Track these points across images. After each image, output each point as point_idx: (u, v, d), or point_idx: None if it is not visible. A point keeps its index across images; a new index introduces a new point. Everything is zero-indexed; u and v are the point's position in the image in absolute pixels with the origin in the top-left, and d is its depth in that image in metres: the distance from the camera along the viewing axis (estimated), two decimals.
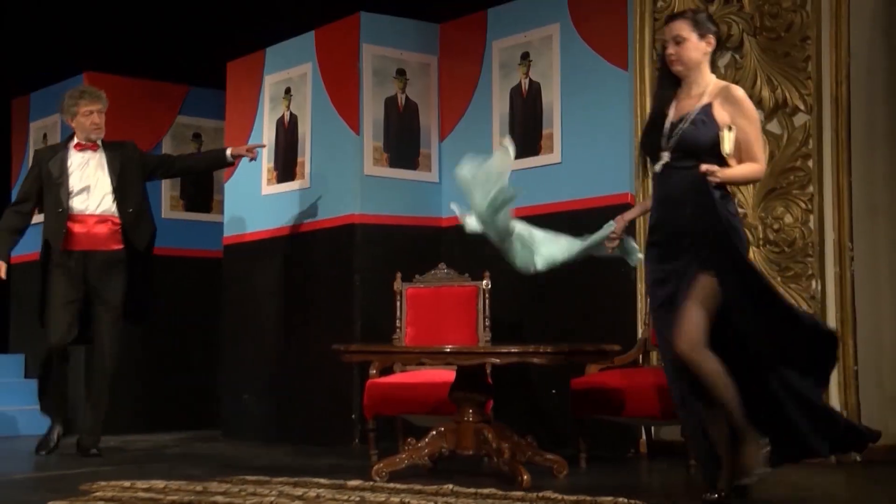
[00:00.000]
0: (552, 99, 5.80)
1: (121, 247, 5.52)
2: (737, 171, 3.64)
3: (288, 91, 6.63)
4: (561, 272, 5.61)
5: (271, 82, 6.76)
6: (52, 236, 5.49)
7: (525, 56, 5.97)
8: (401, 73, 6.28)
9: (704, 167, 3.56)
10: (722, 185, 3.63)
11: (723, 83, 3.75)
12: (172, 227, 7.28)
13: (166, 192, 7.41)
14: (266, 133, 6.69)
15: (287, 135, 6.59)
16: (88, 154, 5.58)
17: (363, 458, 5.07)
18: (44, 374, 5.64)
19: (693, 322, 3.57)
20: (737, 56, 5.25)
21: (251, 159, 6.02)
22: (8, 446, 6.20)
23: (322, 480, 4.12)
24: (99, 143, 5.62)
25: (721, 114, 3.66)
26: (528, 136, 5.85)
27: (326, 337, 5.81)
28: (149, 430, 6.82)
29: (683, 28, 3.72)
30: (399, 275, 5.56)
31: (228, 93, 7.06)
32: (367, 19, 6.21)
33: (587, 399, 4.79)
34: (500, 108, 6.04)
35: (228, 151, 5.95)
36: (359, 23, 6.20)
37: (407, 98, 6.29)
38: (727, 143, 3.60)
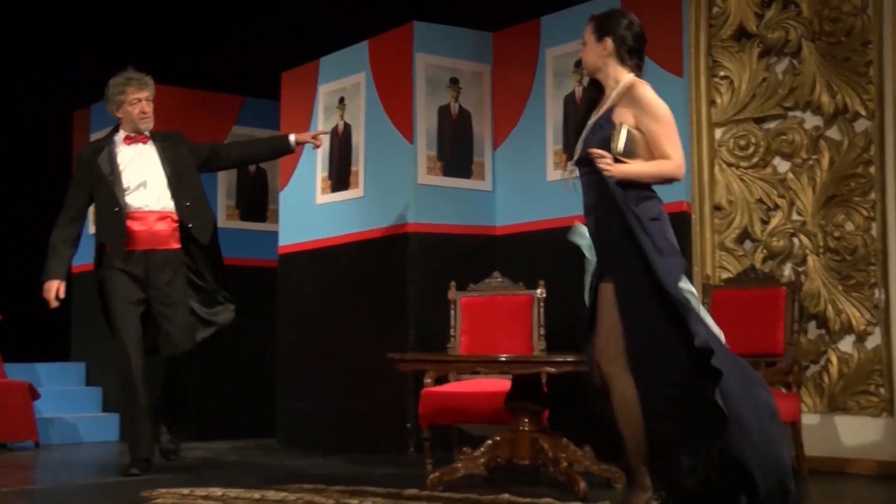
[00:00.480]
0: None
1: (179, 246, 5.13)
2: (638, 167, 3.45)
3: (342, 101, 6.67)
4: None
5: (325, 92, 6.81)
6: (111, 237, 5.07)
7: (579, 64, 5.94)
8: (454, 81, 6.29)
9: (596, 155, 3.43)
10: (645, 187, 3.49)
11: (629, 83, 3.56)
12: (228, 237, 7.32)
13: (222, 202, 7.49)
14: (314, 149, 6.72)
15: (341, 144, 6.63)
16: (139, 147, 5.16)
17: (418, 467, 5.07)
18: (127, 381, 5.07)
19: (602, 336, 3.46)
20: (795, 62, 5.18)
21: (316, 146, 5.63)
22: (69, 453, 6.31)
23: (378, 489, 4.13)
24: (148, 134, 5.21)
25: (622, 115, 3.51)
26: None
27: (381, 346, 5.82)
28: (206, 438, 6.89)
29: (585, 31, 3.65)
30: (453, 284, 5.56)
31: (283, 103, 7.12)
32: (420, 29, 6.23)
33: None
34: (553, 115, 6.02)
35: (292, 138, 5.50)
36: (412, 32, 6.22)
37: (460, 107, 6.30)
38: (619, 142, 3.45)
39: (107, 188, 5.05)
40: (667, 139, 3.49)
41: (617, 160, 3.46)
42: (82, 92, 7.91)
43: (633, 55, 3.60)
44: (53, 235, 5.15)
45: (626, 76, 3.58)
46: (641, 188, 3.49)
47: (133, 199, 5.08)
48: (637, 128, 3.49)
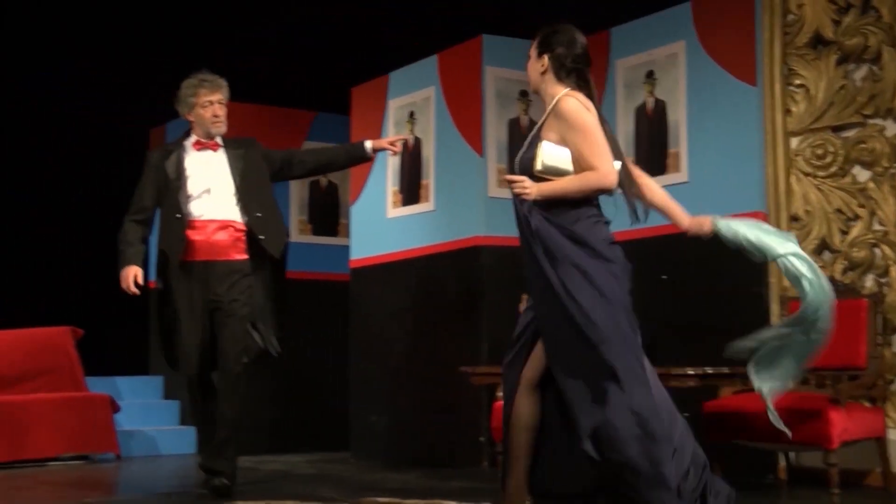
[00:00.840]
0: (678, 117, 5.68)
1: (245, 257, 4.86)
2: (560, 183, 3.35)
3: (412, 115, 6.70)
4: (690, 294, 5.52)
5: (395, 106, 6.85)
6: (170, 246, 4.85)
7: (650, 74, 5.89)
8: (523, 94, 6.28)
9: (509, 180, 3.38)
10: (581, 204, 3.38)
11: (557, 98, 3.47)
12: (300, 251, 7.44)
13: (294, 217, 7.58)
14: (390, 157, 6.77)
15: (411, 158, 6.66)
16: (209, 153, 4.93)
17: (493, 481, 5.05)
18: (192, 395, 4.92)
19: (527, 361, 3.44)
20: (875, 68, 5.07)
21: (393, 154, 5.30)
22: (149, 466, 6.42)
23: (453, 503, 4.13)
24: (220, 140, 4.98)
25: (549, 131, 3.44)
26: (653, 155, 5.76)
27: (453, 359, 5.83)
28: (281, 451, 6.96)
29: (531, 47, 3.57)
30: (525, 297, 5.54)
31: (353, 118, 7.18)
32: (489, 42, 6.24)
33: (722, 423, 4.67)
34: (624, 127, 5.97)
35: (368, 145, 5.20)
36: (481, 46, 6.23)
37: (530, 119, 6.28)
38: (538, 160, 3.36)
39: (171, 194, 4.85)
40: (590, 150, 3.38)
41: (541, 179, 3.38)
42: (158, 110, 8.06)
43: (571, 74, 3.52)
44: (121, 234, 4.92)
45: (560, 93, 3.50)
46: (576, 206, 3.39)
47: (195, 207, 4.85)
48: (564, 142, 3.40)
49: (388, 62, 7.00)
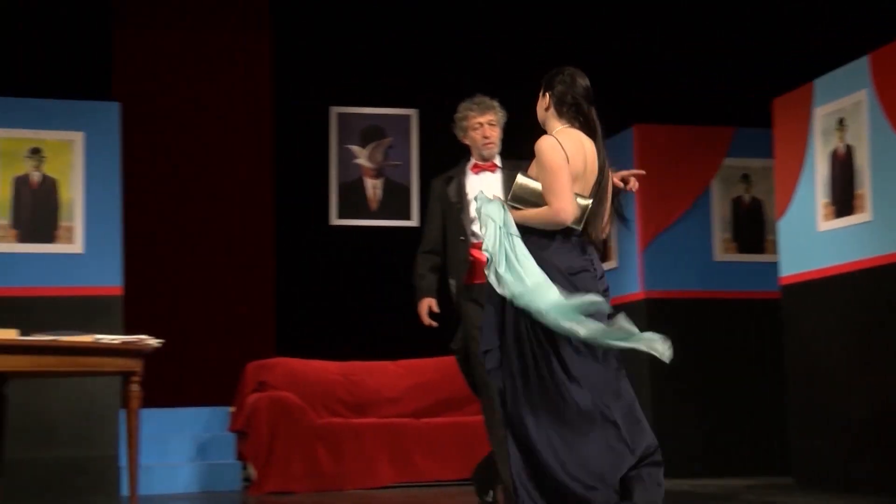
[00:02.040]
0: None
1: None
2: (521, 213, 3.69)
3: (841, 122, 6.35)
4: None
5: (822, 114, 6.52)
6: (456, 268, 4.85)
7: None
8: None
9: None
10: (542, 234, 3.67)
11: (542, 137, 3.72)
12: (725, 270, 7.32)
13: (718, 235, 7.45)
14: (819, 168, 6.47)
15: (842, 168, 6.30)
16: (486, 175, 4.92)
17: None
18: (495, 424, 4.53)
19: None
20: None
21: (628, 189, 4.23)
22: None
23: None
24: (498, 161, 4.95)
25: (532, 166, 3.71)
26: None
27: None
28: (715, 474, 6.84)
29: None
30: None
31: (776, 130, 6.94)
32: None
33: None
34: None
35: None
36: None
37: None
38: (511, 191, 3.70)
39: (454, 216, 4.88)
40: (549, 187, 3.65)
41: (514, 207, 3.71)
42: None
43: (569, 111, 3.77)
44: (416, 266, 5.02)
45: (555, 129, 3.77)
46: (539, 234, 3.69)
47: (477, 230, 4.56)
48: (538, 177, 3.68)
49: (811, 69, 6.70)
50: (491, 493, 4.89)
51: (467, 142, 5.04)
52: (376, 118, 8.66)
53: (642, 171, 4.36)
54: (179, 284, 7.92)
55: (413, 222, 8.62)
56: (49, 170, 6.37)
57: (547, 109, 3.82)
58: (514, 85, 8.59)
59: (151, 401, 6.22)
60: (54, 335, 4.19)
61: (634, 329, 3.74)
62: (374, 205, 8.62)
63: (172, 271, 7.94)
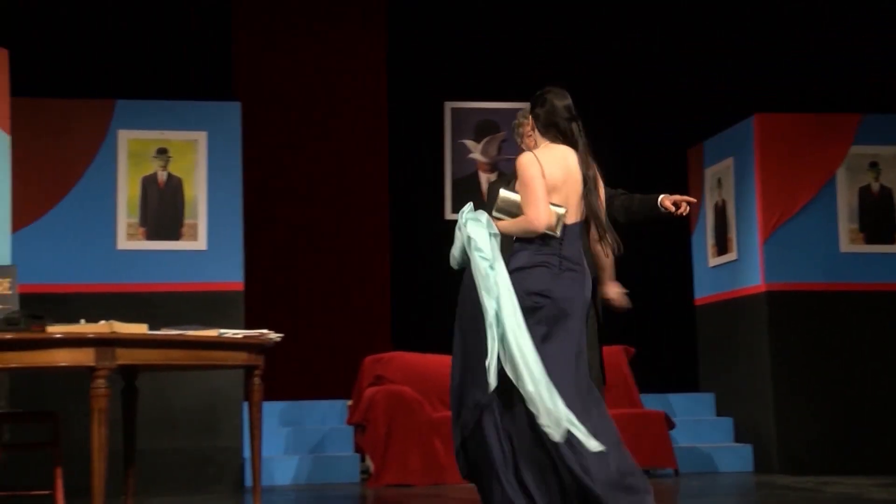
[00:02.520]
0: None
1: None
2: (503, 223, 4.00)
3: None
4: None
5: None
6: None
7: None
8: None
9: None
10: (523, 240, 3.97)
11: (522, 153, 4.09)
12: (852, 262, 7.07)
13: (844, 226, 7.18)
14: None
15: None
16: None
17: None
18: None
19: None
20: None
21: (678, 214, 4.52)
22: (707, 482, 6.44)
23: None
24: None
25: (517, 180, 4.04)
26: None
27: None
28: (843, 471, 6.62)
29: None
30: None
31: None
32: None
33: None
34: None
35: (660, 199, 4.67)
36: None
37: None
38: (495, 204, 4.04)
39: None
40: (525, 199, 3.98)
41: (498, 218, 4.03)
42: (695, 128, 8.17)
43: (550, 129, 4.11)
44: None
45: (540, 146, 4.13)
46: (519, 241, 4.00)
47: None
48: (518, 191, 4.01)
49: None
50: None
51: (523, 147, 4.97)
52: (490, 112, 8.64)
53: (693, 199, 4.81)
54: (297, 280, 8.05)
55: None
56: (174, 169, 6.56)
57: (533, 130, 4.22)
58: (628, 75, 8.51)
59: (271, 394, 6.37)
60: (181, 330, 4.30)
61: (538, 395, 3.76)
62: (487, 199, 8.61)
63: (290, 267, 8.07)
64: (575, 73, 8.57)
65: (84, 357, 3.86)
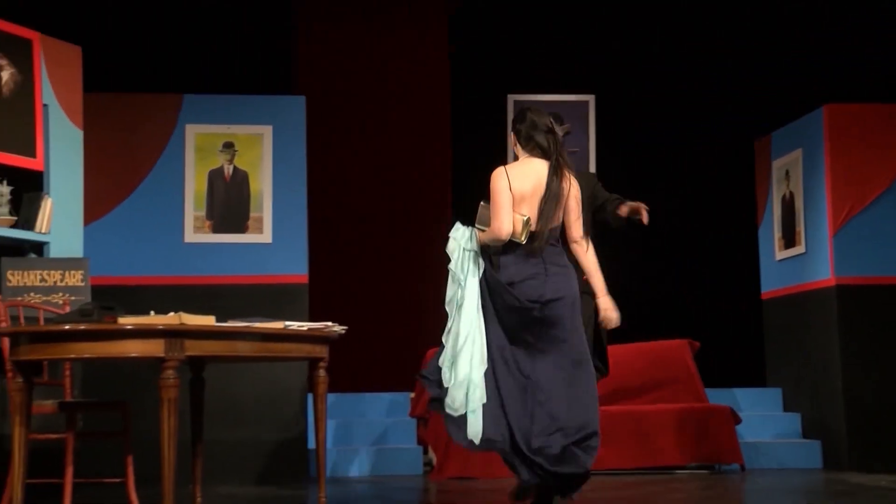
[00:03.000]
0: None
1: None
2: (481, 234, 4.47)
3: None
4: None
5: None
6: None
7: None
8: None
9: None
10: (502, 251, 4.43)
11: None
12: None
13: None
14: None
15: None
16: None
17: None
18: None
19: None
20: None
21: (641, 222, 5.48)
22: (774, 479, 6.35)
23: None
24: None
25: None
26: None
27: None
28: None
29: None
30: None
31: None
32: None
33: None
34: None
35: (619, 208, 5.53)
36: None
37: None
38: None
39: None
40: (492, 210, 4.42)
41: (481, 230, 4.48)
42: (763, 120, 8.04)
43: (529, 142, 4.53)
44: None
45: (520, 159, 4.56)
46: (500, 252, 4.44)
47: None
48: None
49: None
50: None
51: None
52: (553, 105, 8.58)
53: (646, 207, 5.36)
54: (361, 273, 8.10)
55: None
56: (240, 163, 6.63)
57: (515, 145, 4.62)
58: (695, 66, 8.40)
59: (335, 386, 6.41)
60: (247, 322, 4.35)
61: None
62: None
63: (354, 260, 8.12)
64: (640, 64, 8.52)
65: (154, 348, 3.93)
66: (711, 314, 8.25)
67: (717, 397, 7.27)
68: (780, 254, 7.65)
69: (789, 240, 7.53)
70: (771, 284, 7.82)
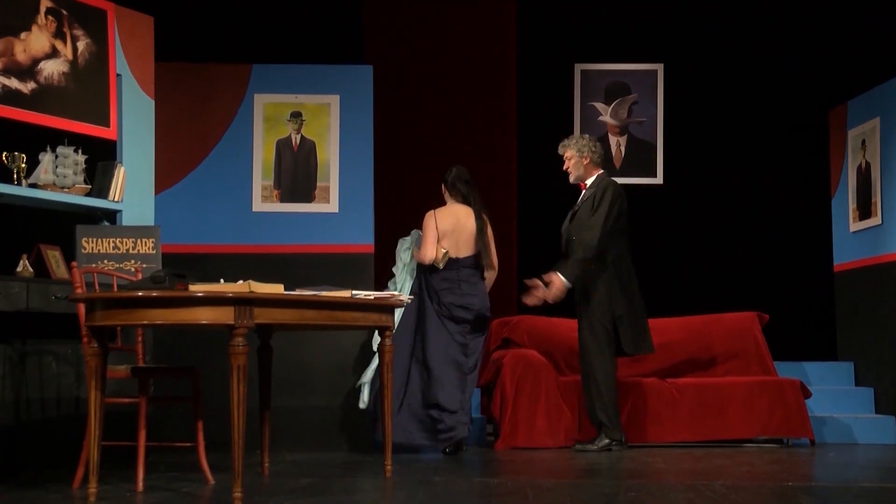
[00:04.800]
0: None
1: None
2: (415, 253, 6.43)
3: None
4: None
5: None
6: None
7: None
8: None
9: None
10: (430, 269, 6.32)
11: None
12: None
13: None
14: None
15: None
16: (583, 192, 6.49)
17: None
18: None
19: None
20: None
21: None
22: (845, 454, 6.26)
23: None
24: (587, 182, 6.38)
25: None
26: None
27: None
28: None
29: None
30: None
31: None
32: None
33: None
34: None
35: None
36: None
37: None
38: None
39: None
40: (422, 242, 6.29)
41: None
42: (839, 88, 7.85)
43: (454, 190, 6.37)
44: None
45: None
46: (430, 269, 6.28)
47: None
48: None
49: None
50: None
51: (571, 169, 6.45)
52: (621, 74, 8.49)
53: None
54: None
55: (657, 180, 8.43)
56: (308, 132, 6.67)
57: (444, 192, 6.34)
58: (765, 33, 8.23)
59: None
60: (315, 290, 4.39)
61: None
62: (617, 162, 8.49)
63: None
64: (708, 32, 8.36)
65: (224, 315, 3.98)
66: (782, 287, 8.11)
67: (787, 370, 7.17)
68: (855, 225, 7.49)
69: (864, 211, 7.36)
70: (844, 257, 7.67)
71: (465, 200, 6.25)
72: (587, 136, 6.54)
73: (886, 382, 7.05)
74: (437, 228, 6.13)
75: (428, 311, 6.15)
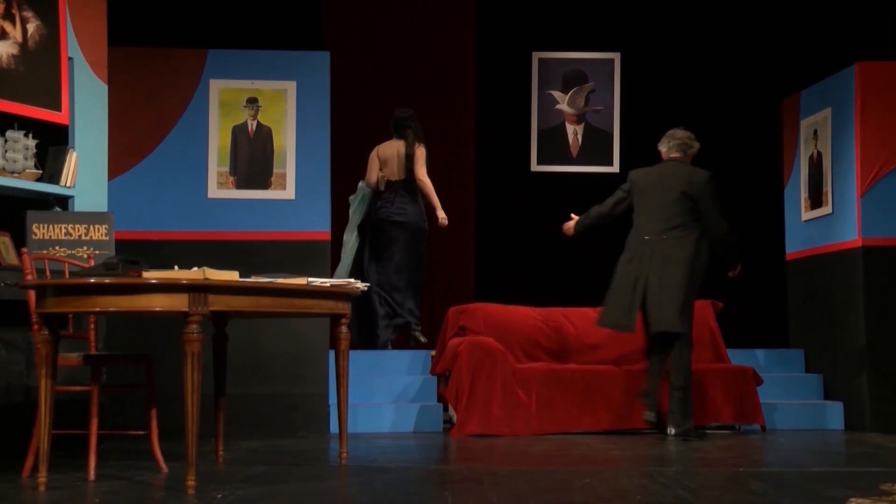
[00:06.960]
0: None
1: None
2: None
3: None
4: None
5: None
6: None
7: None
8: None
9: None
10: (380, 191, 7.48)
11: None
12: None
13: None
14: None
15: None
16: None
17: None
18: None
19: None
20: None
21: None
22: (795, 438, 6.35)
23: None
24: None
25: None
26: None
27: None
28: None
29: None
30: None
31: None
32: None
33: None
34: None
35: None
36: None
37: None
38: None
39: None
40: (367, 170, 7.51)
41: None
42: (791, 78, 7.94)
43: (394, 130, 7.37)
44: None
45: None
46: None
47: None
48: None
49: None
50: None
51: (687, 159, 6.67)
52: (578, 63, 8.52)
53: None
54: None
55: (613, 168, 8.48)
56: (264, 118, 6.63)
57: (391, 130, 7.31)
58: (719, 23, 8.30)
59: (356, 343, 6.41)
60: (270, 277, 4.36)
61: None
62: (574, 151, 8.52)
63: None
64: (664, 22, 8.41)
65: (178, 302, 3.95)
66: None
67: (739, 358, 7.25)
68: (806, 214, 7.60)
69: (816, 200, 7.46)
70: (796, 245, 7.77)
71: (400, 137, 7.25)
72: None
73: (835, 369, 7.17)
74: (378, 158, 7.29)
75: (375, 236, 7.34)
